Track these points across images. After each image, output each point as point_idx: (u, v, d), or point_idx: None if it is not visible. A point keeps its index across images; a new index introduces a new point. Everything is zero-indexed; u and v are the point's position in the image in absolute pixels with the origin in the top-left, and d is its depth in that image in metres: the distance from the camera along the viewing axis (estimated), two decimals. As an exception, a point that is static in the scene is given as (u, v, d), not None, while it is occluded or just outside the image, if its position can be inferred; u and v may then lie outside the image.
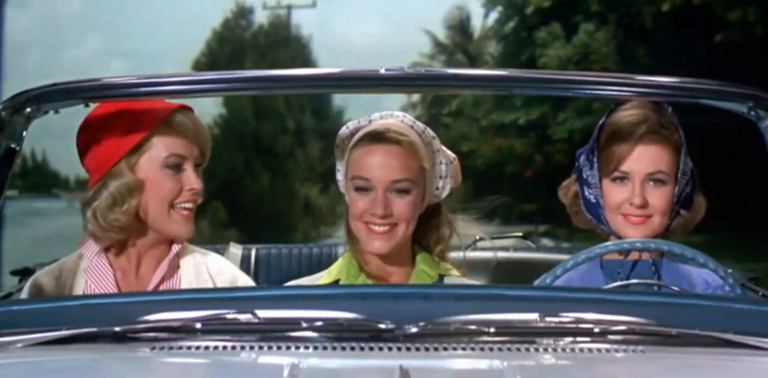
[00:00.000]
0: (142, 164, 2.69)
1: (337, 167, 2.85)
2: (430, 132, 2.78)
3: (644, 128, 2.75)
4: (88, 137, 2.72)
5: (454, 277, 2.81)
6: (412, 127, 2.75)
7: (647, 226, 2.75)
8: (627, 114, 2.78)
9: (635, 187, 2.75)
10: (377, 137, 2.72)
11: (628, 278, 2.72)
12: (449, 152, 2.82)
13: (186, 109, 2.76)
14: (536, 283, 2.62)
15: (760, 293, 3.10)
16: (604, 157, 2.78)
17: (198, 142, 2.74)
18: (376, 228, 2.70)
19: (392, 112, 2.80)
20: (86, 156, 2.74)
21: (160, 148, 2.69)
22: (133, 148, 2.68)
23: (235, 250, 3.66)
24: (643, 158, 2.75)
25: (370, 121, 2.77)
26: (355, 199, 2.73)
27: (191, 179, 2.72)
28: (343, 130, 2.81)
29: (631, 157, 2.75)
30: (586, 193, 2.84)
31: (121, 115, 2.68)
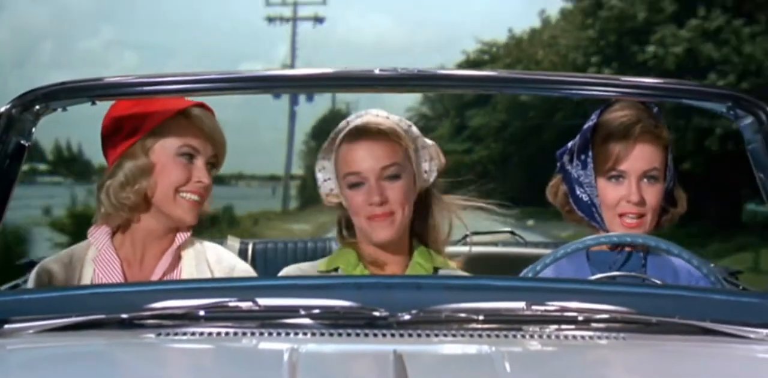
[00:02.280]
0: (155, 149, 2.80)
1: (318, 175, 2.92)
2: (405, 121, 2.88)
3: (639, 128, 2.83)
4: (109, 126, 2.84)
5: (449, 270, 2.90)
6: (387, 117, 2.85)
7: (641, 229, 2.84)
8: (621, 114, 2.86)
9: (632, 185, 2.83)
10: (358, 133, 2.81)
11: (615, 270, 2.81)
12: (426, 140, 2.92)
13: (205, 108, 2.87)
14: (526, 270, 2.70)
15: (740, 287, 3.18)
16: (600, 158, 2.86)
17: (213, 140, 2.84)
18: (377, 215, 2.78)
19: (367, 111, 2.89)
20: (106, 144, 2.85)
21: (174, 136, 2.80)
22: (149, 133, 2.79)
23: (233, 243, 3.72)
24: (640, 157, 2.84)
25: (347, 123, 2.87)
26: (351, 195, 2.81)
27: (201, 172, 2.81)
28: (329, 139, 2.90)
29: (628, 157, 2.83)
30: (578, 193, 2.92)
31: (142, 103, 2.80)
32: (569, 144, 2.98)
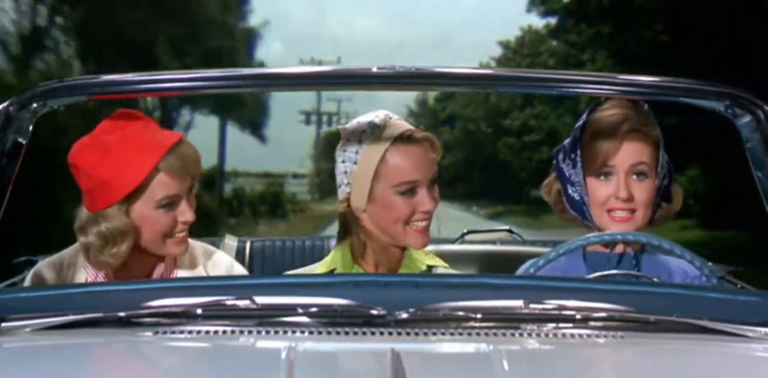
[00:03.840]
0: (135, 208, 2.74)
1: (345, 181, 2.84)
2: None
3: (627, 126, 2.83)
4: (80, 177, 2.76)
5: (441, 267, 2.90)
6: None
7: (632, 223, 2.83)
8: (609, 113, 2.86)
9: (620, 182, 2.83)
10: (409, 139, 2.80)
11: (612, 269, 2.80)
12: None
13: (180, 144, 2.77)
14: (519, 272, 2.70)
15: (738, 286, 3.18)
16: (588, 156, 2.86)
17: (190, 174, 2.79)
18: (421, 224, 2.79)
19: (386, 113, 2.87)
20: (79, 179, 2.77)
21: (153, 191, 2.73)
22: (126, 197, 2.72)
23: (231, 242, 3.73)
24: (627, 154, 2.84)
25: (378, 126, 2.81)
26: (399, 203, 2.78)
27: (185, 214, 2.78)
28: (354, 127, 2.85)
29: (616, 154, 2.83)
30: (570, 191, 2.91)
31: (110, 160, 2.70)
32: (565, 142, 2.98)
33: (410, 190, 2.79)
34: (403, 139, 2.80)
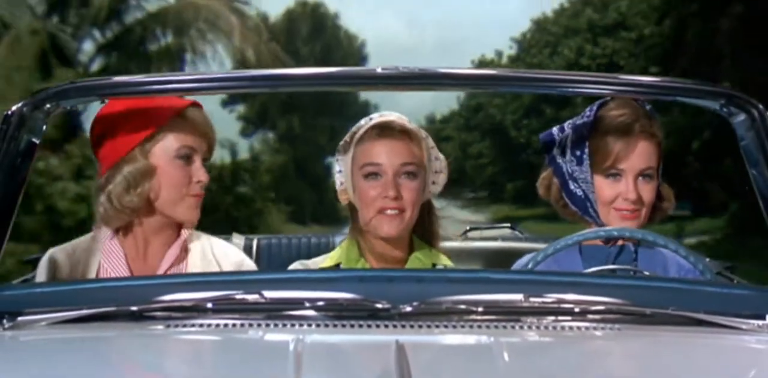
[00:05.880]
0: (155, 152, 2.84)
1: (337, 169, 2.97)
2: (422, 131, 2.95)
3: (638, 127, 2.87)
4: (103, 128, 2.86)
5: (442, 266, 2.96)
6: (410, 122, 2.93)
7: (637, 221, 2.87)
8: (619, 113, 2.89)
9: (629, 184, 2.86)
10: (382, 128, 2.88)
11: (606, 263, 2.85)
12: (438, 152, 2.99)
13: (197, 106, 2.91)
14: (515, 267, 2.75)
15: (735, 281, 3.22)
16: (597, 155, 2.89)
17: (207, 137, 2.90)
18: (388, 212, 2.84)
19: (390, 113, 2.95)
20: (101, 146, 2.87)
21: (173, 139, 2.84)
22: (148, 137, 2.82)
23: (238, 240, 3.77)
24: (638, 156, 2.87)
25: (371, 119, 2.93)
26: (366, 187, 2.87)
27: (199, 172, 2.87)
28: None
29: (628, 156, 2.87)
30: (572, 188, 2.94)
31: (137, 108, 2.83)
32: (555, 134, 3.01)
33: (374, 174, 2.86)
34: (376, 126, 2.89)
